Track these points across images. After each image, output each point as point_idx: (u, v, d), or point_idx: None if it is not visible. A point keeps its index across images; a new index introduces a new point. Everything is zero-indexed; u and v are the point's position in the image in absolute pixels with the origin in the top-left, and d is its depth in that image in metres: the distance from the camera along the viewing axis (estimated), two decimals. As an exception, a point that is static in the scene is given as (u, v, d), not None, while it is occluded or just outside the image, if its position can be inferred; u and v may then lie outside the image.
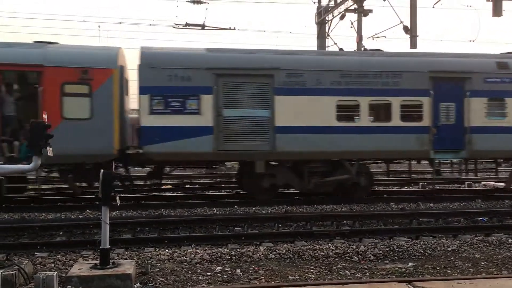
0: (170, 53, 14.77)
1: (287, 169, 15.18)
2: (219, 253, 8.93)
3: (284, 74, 14.64)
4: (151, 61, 14.12)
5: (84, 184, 14.71)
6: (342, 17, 25.85)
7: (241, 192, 16.69)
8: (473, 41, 25.12)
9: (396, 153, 15.46)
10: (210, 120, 14.20)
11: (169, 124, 13.98)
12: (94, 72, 13.61)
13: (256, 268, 8.21)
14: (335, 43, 26.92)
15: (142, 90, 14.00)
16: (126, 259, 8.37)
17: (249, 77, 14.53)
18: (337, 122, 14.90)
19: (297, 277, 7.73)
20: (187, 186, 20.00)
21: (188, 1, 26.23)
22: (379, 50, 16.57)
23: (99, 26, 33.24)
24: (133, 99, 15.65)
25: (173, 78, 13.99)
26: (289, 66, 14.75)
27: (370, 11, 25.56)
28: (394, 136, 15.07)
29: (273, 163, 15.15)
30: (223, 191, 18.62)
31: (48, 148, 7.05)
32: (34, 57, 13.58)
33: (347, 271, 8.08)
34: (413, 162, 17.04)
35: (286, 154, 14.73)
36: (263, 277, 7.70)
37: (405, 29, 20.89)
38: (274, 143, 14.58)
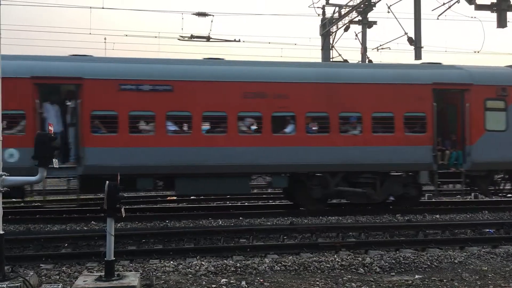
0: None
1: None
2: (224, 265, 8.91)
3: None
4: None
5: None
6: (346, 29, 25.88)
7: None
8: (478, 52, 24.94)
9: None
10: None
11: None
12: (510, 90, 15.57)
13: (261, 280, 8.18)
14: (340, 55, 26.94)
15: None
16: (131, 271, 8.36)
17: None
18: None
19: (303, 290, 7.70)
20: (192, 197, 19.97)
21: (193, 14, 26.36)
22: None
23: (105, 38, 33.40)
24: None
25: None
26: None
27: (375, 22, 25.62)
28: None
29: None
30: (228, 202, 18.59)
31: (54, 160, 7.08)
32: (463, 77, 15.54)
33: (353, 284, 8.03)
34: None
35: None
36: (268, 289, 7.67)
37: (410, 40, 20.86)
38: None
